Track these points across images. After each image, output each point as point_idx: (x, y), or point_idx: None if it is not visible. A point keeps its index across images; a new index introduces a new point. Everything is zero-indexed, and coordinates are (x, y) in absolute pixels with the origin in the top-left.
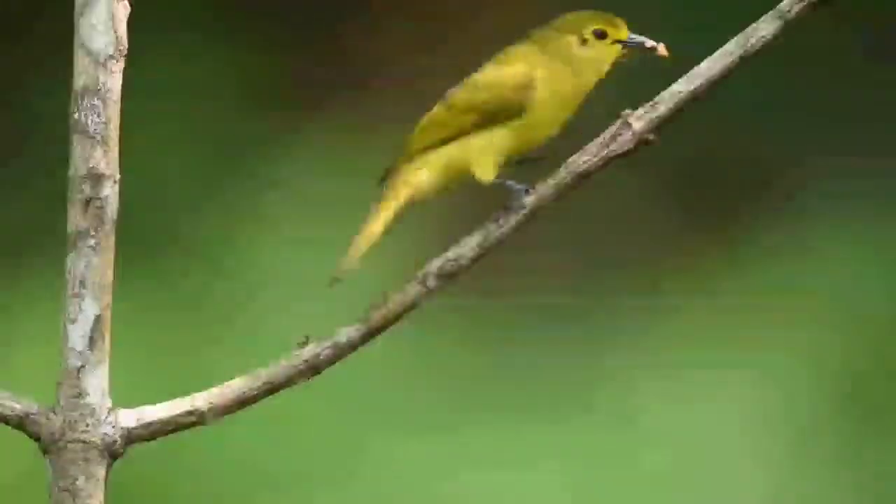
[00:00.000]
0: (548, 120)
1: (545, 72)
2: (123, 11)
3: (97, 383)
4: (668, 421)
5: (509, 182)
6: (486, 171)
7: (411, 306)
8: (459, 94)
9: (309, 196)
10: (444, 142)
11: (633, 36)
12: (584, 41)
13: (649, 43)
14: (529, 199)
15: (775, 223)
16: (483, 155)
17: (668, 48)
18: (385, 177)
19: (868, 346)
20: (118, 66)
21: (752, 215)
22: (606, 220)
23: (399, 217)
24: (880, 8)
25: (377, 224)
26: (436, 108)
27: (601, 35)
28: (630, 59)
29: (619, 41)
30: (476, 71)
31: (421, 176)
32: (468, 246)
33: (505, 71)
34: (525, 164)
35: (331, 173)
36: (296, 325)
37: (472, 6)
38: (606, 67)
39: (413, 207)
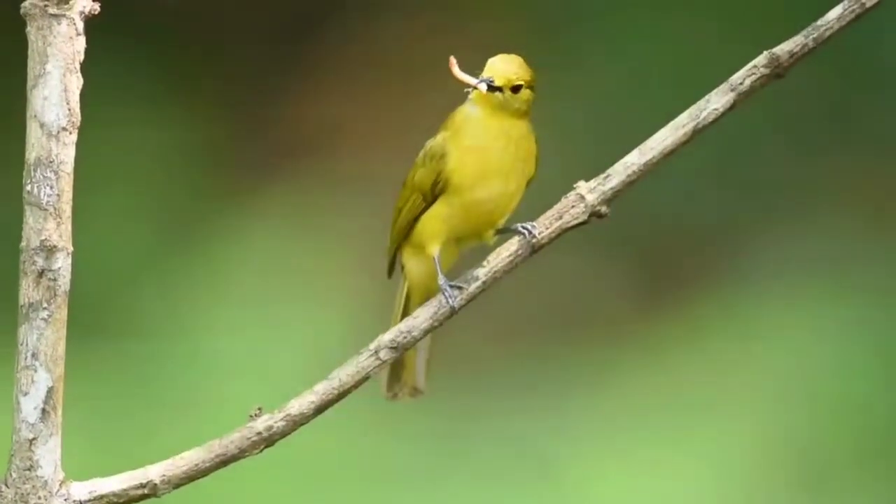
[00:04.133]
0: (478, 183)
1: (454, 132)
2: (76, 83)
3: (49, 456)
4: (624, 488)
5: (442, 282)
6: (431, 248)
7: (364, 378)
8: (409, 172)
9: (263, 266)
10: (412, 223)
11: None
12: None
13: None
14: (459, 300)
15: (727, 293)
16: (430, 227)
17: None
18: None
19: (819, 416)
20: (71, 139)
21: (704, 286)
22: (561, 293)
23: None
24: (825, 80)
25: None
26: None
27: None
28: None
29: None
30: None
31: (409, 267)
32: (421, 318)
33: (428, 144)
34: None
35: (285, 243)
36: (249, 396)
37: (434, 68)
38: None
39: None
